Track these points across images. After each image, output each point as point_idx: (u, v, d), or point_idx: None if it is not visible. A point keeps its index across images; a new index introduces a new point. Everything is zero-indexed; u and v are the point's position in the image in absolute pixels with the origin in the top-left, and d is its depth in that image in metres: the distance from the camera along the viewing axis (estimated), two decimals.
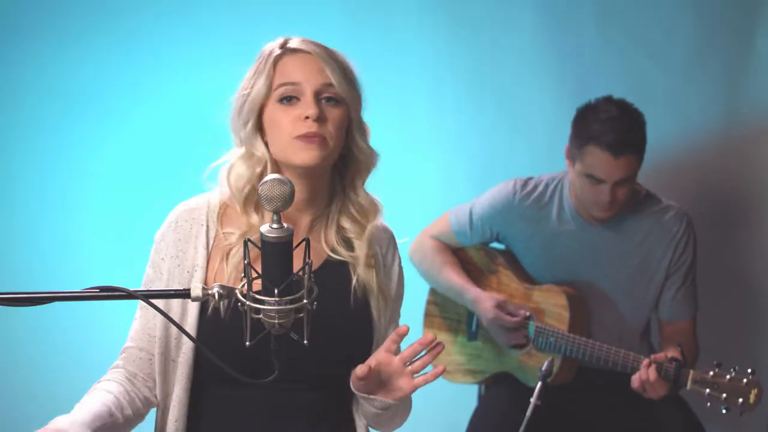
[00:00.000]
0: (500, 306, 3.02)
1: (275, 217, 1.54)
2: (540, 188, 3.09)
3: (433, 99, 3.59)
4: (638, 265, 3.03)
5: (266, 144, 1.96)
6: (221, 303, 1.87)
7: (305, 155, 1.90)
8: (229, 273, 1.94)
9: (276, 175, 1.56)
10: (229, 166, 1.98)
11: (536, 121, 3.53)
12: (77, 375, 3.54)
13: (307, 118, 1.89)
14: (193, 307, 1.93)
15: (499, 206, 3.10)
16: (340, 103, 1.95)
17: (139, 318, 2.00)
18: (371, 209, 2.02)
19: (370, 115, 3.56)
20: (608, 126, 2.86)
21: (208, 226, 1.98)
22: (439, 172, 3.61)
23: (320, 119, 1.90)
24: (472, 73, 3.57)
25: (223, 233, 1.97)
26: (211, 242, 1.97)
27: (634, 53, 3.49)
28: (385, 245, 2.07)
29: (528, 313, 3.04)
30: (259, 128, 1.96)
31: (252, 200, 1.96)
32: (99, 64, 3.49)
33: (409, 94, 3.58)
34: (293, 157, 1.91)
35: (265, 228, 1.54)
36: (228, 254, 1.95)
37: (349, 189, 2.01)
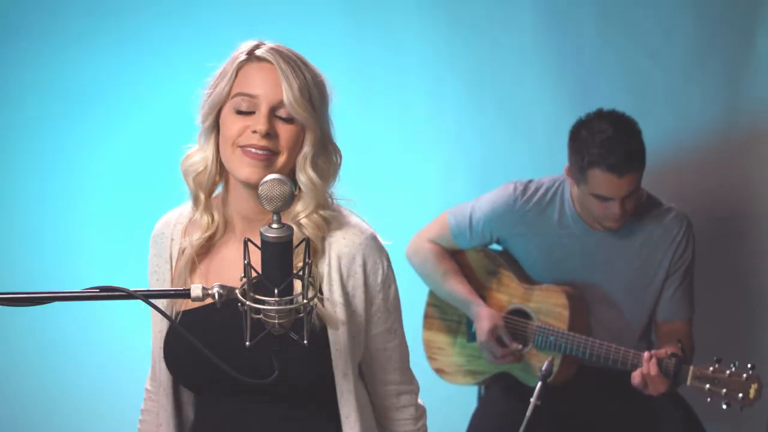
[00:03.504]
0: (493, 332, 3.02)
1: (275, 217, 1.55)
2: (541, 192, 3.08)
3: (433, 99, 3.59)
4: (639, 268, 3.03)
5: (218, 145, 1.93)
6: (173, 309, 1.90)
7: (248, 171, 1.85)
8: (177, 277, 1.94)
9: (276, 175, 1.56)
10: (186, 155, 1.96)
11: (536, 121, 3.53)
12: (77, 375, 3.56)
13: (255, 132, 1.84)
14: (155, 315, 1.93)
15: (500, 210, 3.09)
16: (295, 121, 1.87)
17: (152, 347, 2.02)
18: (313, 227, 1.89)
19: (370, 115, 3.58)
20: (606, 148, 2.84)
21: (173, 239, 1.98)
22: (439, 172, 3.60)
23: (269, 135, 1.84)
24: (472, 73, 3.57)
25: (184, 240, 1.96)
26: (174, 257, 1.98)
27: (634, 53, 3.48)
28: (347, 255, 1.90)
29: (520, 347, 3.04)
30: (217, 127, 1.92)
31: (199, 197, 1.93)
32: (99, 64, 3.49)
33: (409, 94, 3.58)
34: (237, 170, 1.86)
35: (264, 228, 1.54)
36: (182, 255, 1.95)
37: (297, 210, 1.90)
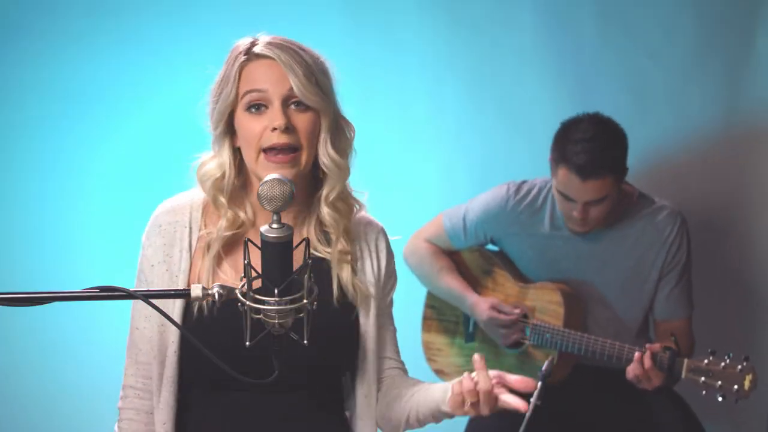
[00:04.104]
0: (494, 307, 3.03)
1: (275, 217, 1.55)
2: (533, 193, 3.09)
3: (433, 99, 3.59)
4: (633, 267, 3.03)
5: (237, 148, 1.94)
6: (205, 303, 1.89)
7: None
8: (206, 270, 1.93)
9: (276, 175, 1.56)
10: (200, 163, 1.97)
11: (536, 121, 3.53)
12: (76, 375, 3.56)
13: (275, 129, 1.87)
14: (177, 309, 1.91)
15: (493, 211, 3.10)
16: (310, 107, 1.90)
17: (132, 348, 1.99)
18: (348, 210, 1.99)
19: (370, 115, 3.56)
20: (579, 148, 2.85)
21: (191, 228, 1.97)
22: (439, 172, 3.61)
23: (288, 129, 1.87)
24: (472, 73, 3.57)
25: (207, 233, 1.96)
26: (194, 245, 1.97)
27: (634, 53, 3.48)
28: (372, 239, 2.04)
29: (523, 311, 3.05)
30: (230, 131, 1.94)
31: (219, 201, 1.95)
32: (99, 64, 3.49)
33: (409, 94, 3.58)
34: (263, 174, 1.86)
35: (265, 228, 1.54)
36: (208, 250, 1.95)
37: (325, 193, 1.96)
